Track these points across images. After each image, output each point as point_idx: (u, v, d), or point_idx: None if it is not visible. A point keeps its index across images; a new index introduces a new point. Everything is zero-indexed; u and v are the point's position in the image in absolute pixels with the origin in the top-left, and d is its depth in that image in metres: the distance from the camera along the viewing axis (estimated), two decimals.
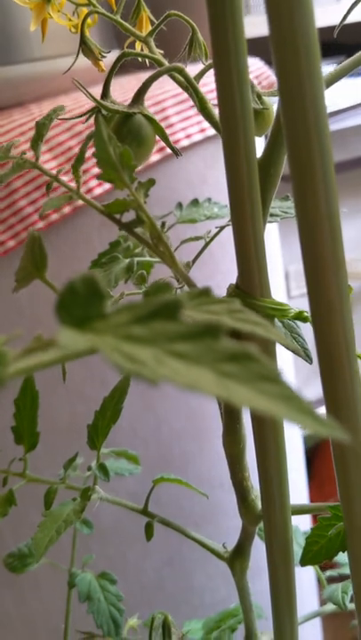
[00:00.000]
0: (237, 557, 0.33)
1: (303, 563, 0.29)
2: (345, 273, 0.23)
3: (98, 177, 0.21)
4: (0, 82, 0.59)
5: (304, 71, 0.21)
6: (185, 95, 0.61)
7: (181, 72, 0.26)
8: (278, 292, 0.78)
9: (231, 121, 0.24)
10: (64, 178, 0.60)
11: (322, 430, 0.13)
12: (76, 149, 0.58)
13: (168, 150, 0.59)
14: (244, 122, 0.24)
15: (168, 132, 0.59)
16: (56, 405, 0.61)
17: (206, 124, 0.61)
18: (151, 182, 0.22)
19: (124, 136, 0.22)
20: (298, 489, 0.83)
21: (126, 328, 0.14)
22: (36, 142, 0.25)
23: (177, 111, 0.59)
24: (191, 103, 0.62)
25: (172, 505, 0.67)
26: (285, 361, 0.80)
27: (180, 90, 0.63)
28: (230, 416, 0.28)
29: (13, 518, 0.55)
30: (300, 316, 0.25)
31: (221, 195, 0.34)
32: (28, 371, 0.13)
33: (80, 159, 0.23)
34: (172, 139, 0.59)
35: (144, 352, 0.13)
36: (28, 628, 0.58)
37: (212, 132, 0.61)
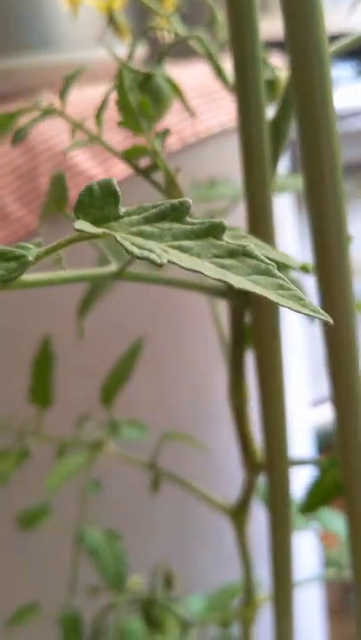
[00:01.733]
0: (239, 510, 0.34)
1: (304, 509, 0.30)
2: (349, 266, 0.25)
3: (118, 124, 0.23)
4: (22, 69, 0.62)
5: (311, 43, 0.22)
6: (206, 88, 0.63)
7: (200, 40, 0.27)
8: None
9: (245, 86, 0.26)
10: (90, 163, 0.62)
11: (307, 313, 0.14)
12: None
13: (188, 139, 0.61)
14: (256, 86, 0.26)
15: (191, 122, 0.61)
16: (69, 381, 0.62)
17: (225, 117, 0.63)
18: (166, 132, 0.24)
19: (143, 92, 0.24)
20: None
21: (137, 226, 0.15)
22: (62, 94, 0.27)
23: (198, 103, 0.61)
24: (211, 97, 0.64)
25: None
26: (295, 363, 0.81)
27: (201, 82, 0.65)
28: (235, 370, 0.30)
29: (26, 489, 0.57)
30: (304, 267, 0.27)
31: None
32: (50, 252, 0.14)
33: (103, 106, 0.24)
34: (193, 129, 0.61)
35: (152, 244, 0.15)
36: (35, 585, 0.60)
37: (230, 123, 0.63)
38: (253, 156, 0.26)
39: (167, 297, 0.66)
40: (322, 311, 0.15)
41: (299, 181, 0.38)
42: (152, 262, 0.14)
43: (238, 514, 0.34)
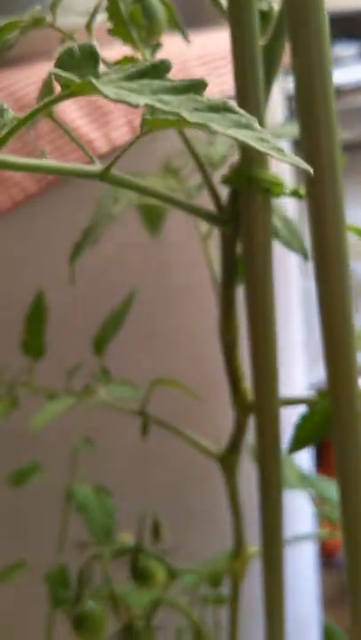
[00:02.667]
0: (229, 454, 0.34)
1: (291, 450, 0.30)
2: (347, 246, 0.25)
3: (108, 32, 0.23)
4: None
5: None
6: (208, 57, 0.63)
7: None
8: (294, 273, 0.79)
9: (238, 8, 0.25)
10: (89, 128, 0.61)
11: (288, 161, 0.14)
12: (100, 102, 0.60)
13: None
14: (249, 10, 0.25)
15: None
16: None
17: (226, 86, 0.63)
18: (158, 45, 0.24)
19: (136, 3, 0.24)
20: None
21: (117, 83, 0.15)
22: (53, 6, 0.26)
23: (199, 72, 0.61)
24: (213, 65, 0.64)
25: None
26: (294, 345, 0.81)
27: (203, 52, 0.65)
28: (226, 304, 0.30)
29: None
30: (296, 193, 0.26)
31: None
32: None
33: (93, 14, 0.24)
34: None
35: (132, 95, 0.14)
36: (23, 545, 0.60)
37: (231, 93, 0.62)
38: (247, 79, 0.26)
39: (167, 265, 0.65)
40: (302, 161, 0.14)
41: (295, 129, 0.37)
42: (129, 105, 0.14)
43: (227, 458, 0.34)
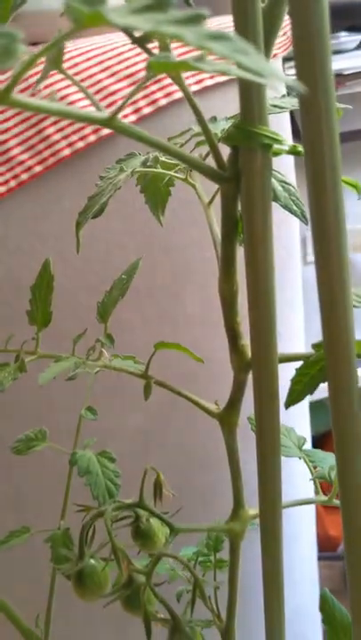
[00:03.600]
0: (228, 412, 0.35)
1: (288, 403, 0.31)
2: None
3: None
4: (37, 16, 0.63)
5: None
6: None
7: None
8: (294, 258, 0.80)
9: None
10: (93, 108, 0.62)
11: (277, 79, 0.15)
12: (106, 82, 0.61)
13: (192, 87, 0.62)
14: None
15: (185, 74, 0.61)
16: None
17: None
18: None
19: None
20: (305, 494, 0.84)
21: (124, 15, 0.16)
22: None
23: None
24: None
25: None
26: (296, 326, 0.82)
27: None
28: (226, 259, 0.31)
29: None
30: (294, 150, 0.27)
31: None
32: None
33: None
34: (196, 77, 0.62)
35: (139, 23, 0.15)
36: (27, 507, 0.61)
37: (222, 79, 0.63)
38: (248, 38, 0.27)
39: (168, 248, 0.66)
40: (296, 80, 0.15)
41: (294, 101, 0.38)
42: (133, 31, 0.15)
43: (227, 417, 0.35)
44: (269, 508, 0.35)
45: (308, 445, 0.89)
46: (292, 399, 0.31)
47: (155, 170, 0.38)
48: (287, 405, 0.31)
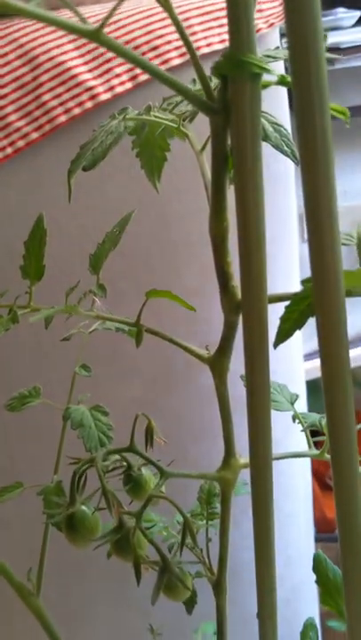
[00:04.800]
0: (218, 357, 0.35)
1: (277, 341, 0.31)
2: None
3: None
4: None
5: None
6: (208, 7, 0.64)
7: None
8: (292, 235, 0.80)
9: None
10: (89, 75, 0.62)
11: None
12: (102, 48, 0.61)
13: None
14: None
15: (191, 39, 0.61)
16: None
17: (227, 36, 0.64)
18: None
19: None
20: (302, 471, 0.85)
21: None
22: None
23: (200, 22, 0.62)
24: (213, 16, 0.65)
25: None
26: None
27: (203, 3, 0.66)
28: (216, 197, 0.31)
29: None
30: (283, 80, 0.27)
31: None
32: None
33: None
34: (194, 45, 0.62)
35: None
36: (21, 472, 0.61)
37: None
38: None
39: (166, 218, 0.66)
40: None
41: (286, 52, 0.38)
42: None
43: (217, 361, 0.35)
44: (260, 459, 0.35)
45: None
46: (281, 337, 0.31)
47: (148, 118, 0.38)
48: (276, 344, 0.31)
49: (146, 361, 0.70)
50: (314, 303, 0.29)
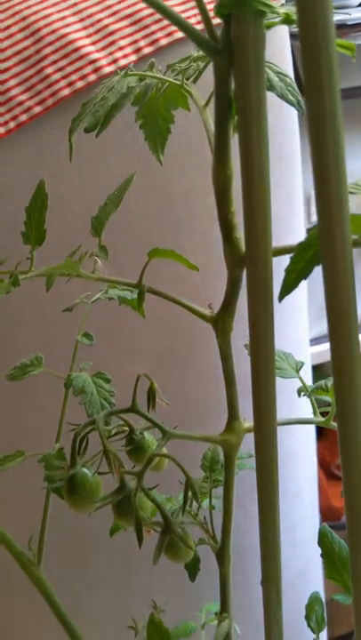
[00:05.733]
0: (222, 315, 0.34)
1: (282, 294, 0.30)
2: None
3: None
4: None
5: None
6: None
7: None
8: (299, 217, 0.79)
9: None
10: (92, 48, 0.62)
11: None
12: (106, 21, 0.60)
13: None
14: None
15: None
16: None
17: None
18: None
19: None
20: (307, 453, 0.84)
21: None
22: None
23: None
24: None
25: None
26: (299, 297, 0.81)
27: None
28: (220, 145, 0.30)
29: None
30: (287, 19, 0.27)
31: None
32: None
33: None
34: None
35: None
36: (23, 440, 0.60)
37: None
38: None
39: (169, 193, 0.66)
40: None
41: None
42: None
43: (221, 320, 0.34)
44: (264, 424, 0.34)
45: (311, 434, 0.88)
46: (286, 289, 0.30)
47: (150, 74, 0.37)
48: (281, 297, 0.30)
49: (149, 342, 0.70)
50: (320, 251, 0.28)
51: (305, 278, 0.30)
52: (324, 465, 1.25)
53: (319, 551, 0.92)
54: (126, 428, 0.39)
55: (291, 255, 0.30)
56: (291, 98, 0.31)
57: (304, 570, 0.87)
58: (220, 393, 0.69)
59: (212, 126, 0.35)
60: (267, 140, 0.29)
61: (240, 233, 0.31)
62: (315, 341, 0.93)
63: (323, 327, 0.95)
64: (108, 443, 0.34)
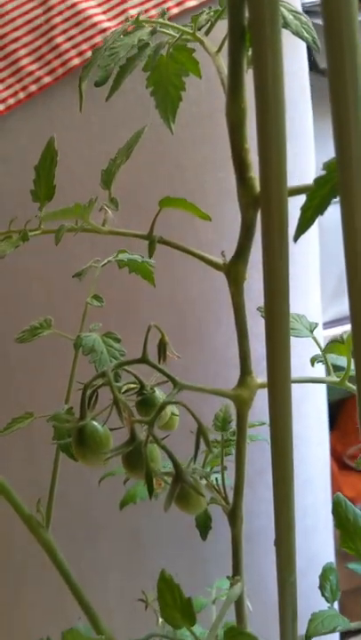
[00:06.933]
0: (235, 263, 0.33)
1: (298, 232, 0.29)
2: None
3: None
4: None
5: None
6: None
7: None
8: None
9: None
10: (103, 17, 0.61)
11: None
12: None
13: None
14: None
15: None
16: None
17: None
18: None
19: None
20: (319, 439, 0.83)
21: None
22: None
23: None
24: None
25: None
26: (312, 280, 0.80)
27: None
28: (234, 78, 0.29)
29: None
30: None
31: None
32: None
33: None
34: None
35: None
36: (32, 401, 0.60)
37: None
38: None
39: (180, 166, 0.65)
40: None
41: None
42: None
43: (234, 267, 0.33)
44: (279, 379, 0.33)
45: (324, 410, 0.87)
46: (303, 227, 0.29)
47: (162, 21, 0.37)
48: (296, 236, 0.29)
49: (158, 318, 0.69)
50: (338, 184, 0.27)
51: (321, 214, 0.29)
52: (335, 455, 1.24)
53: (331, 538, 0.91)
54: (136, 385, 0.38)
55: (308, 194, 0.29)
56: (306, 35, 0.30)
57: (315, 557, 0.86)
58: (230, 372, 0.68)
59: (225, 69, 0.34)
60: (282, 70, 0.28)
61: (255, 172, 0.31)
62: (328, 325, 0.92)
63: (336, 310, 0.94)
64: (118, 392, 0.33)
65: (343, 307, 0.99)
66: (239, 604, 0.40)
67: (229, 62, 0.29)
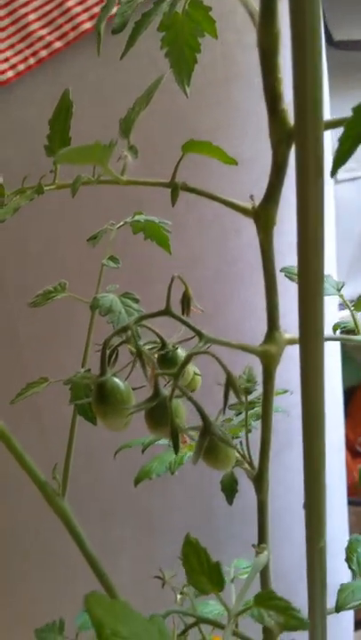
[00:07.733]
0: (264, 207, 0.31)
1: (335, 164, 0.27)
2: None
3: None
4: None
5: None
6: None
7: None
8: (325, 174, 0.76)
9: None
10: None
11: None
12: None
13: None
14: None
15: None
16: None
17: None
18: None
19: None
20: (335, 424, 0.81)
21: None
22: None
23: None
24: None
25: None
26: (328, 258, 0.79)
27: None
28: (266, 6, 0.27)
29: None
30: None
31: None
32: None
33: None
34: None
35: None
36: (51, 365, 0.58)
37: None
38: None
39: (194, 131, 0.63)
40: None
41: None
42: None
43: (263, 212, 0.31)
44: (311, 335, 0.32)
45: (339, 394, 0.86)
46: (341, 159, 0.27)
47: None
48: (334, 167, 0.27)
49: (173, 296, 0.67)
50: None
51: (353, 150, 0.27)
52: (347, 444, 1.22)
53: (346, 523, 0.89)
54: (156, 344, 0.36)
55: (346, 123, 0.27)
56: None
57: (330, 541, 0.84)
58: (246, 357, 0.66)
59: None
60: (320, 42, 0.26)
61: (285, 104, 0.29)
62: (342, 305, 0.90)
63: (350, 290, 0.92)
64: (141, 345, 0.31)
65: (358, 287, 0.97)
66: (264, 573, 0.38)
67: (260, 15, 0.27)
